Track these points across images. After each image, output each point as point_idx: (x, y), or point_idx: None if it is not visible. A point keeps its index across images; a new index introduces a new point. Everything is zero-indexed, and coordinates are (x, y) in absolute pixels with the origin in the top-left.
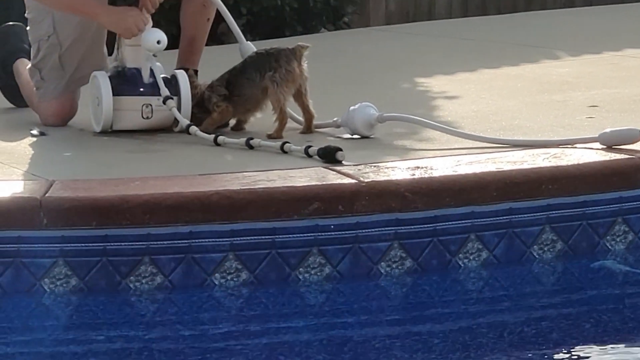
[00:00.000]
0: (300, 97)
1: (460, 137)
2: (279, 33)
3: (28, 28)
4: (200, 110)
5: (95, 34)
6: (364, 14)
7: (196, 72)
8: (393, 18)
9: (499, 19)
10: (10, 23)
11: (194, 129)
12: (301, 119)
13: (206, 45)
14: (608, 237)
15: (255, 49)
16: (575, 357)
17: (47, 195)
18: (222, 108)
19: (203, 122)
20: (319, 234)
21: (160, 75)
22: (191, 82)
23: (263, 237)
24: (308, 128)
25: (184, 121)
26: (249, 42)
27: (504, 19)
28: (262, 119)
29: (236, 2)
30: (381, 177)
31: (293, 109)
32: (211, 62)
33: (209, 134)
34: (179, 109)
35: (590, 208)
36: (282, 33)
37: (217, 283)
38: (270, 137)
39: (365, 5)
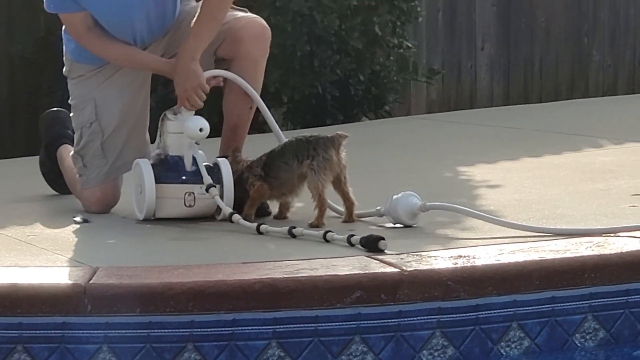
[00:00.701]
0: (339, 185)
1: (502, 226)
2: (319, 121)
3: (71, 114)
4: (238, 189)
5: (137, 121)
6: (406, 102)
7: None
8: (434, 106)
9: (541, 107)
10: (55, 109)
11: (236, 217)
12: (341, 208)
13: (248, 133)
14: None
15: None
16: None
17: (91, 281)
18: (257, 186)
19: (241, 201)
20: (362, 322)
21: (202, 163)
22: (235, 157)
23: (306, 325)
24: (349, 216)
25: (227, 209)
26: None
27: (546, 107)
28: (303, 208)
29: (277, 90)
30: (423, 266)
31: (335, 199)
32: (253, 151)
33: (251, 222)
34: (221, 197)
35: (633, 296)
36: (323, 121)
37: None
38: (311, 225)
39: (407, 94)
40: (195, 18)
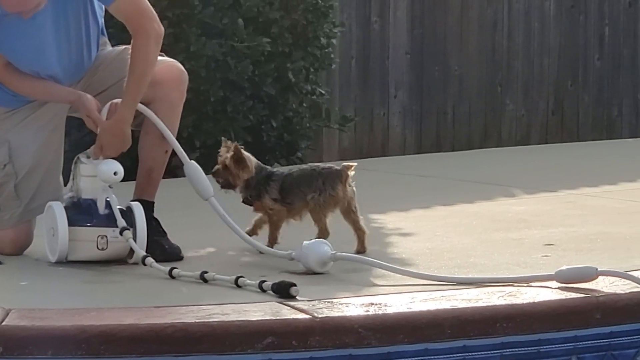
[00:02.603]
0: (349, 215)
1: (413, 277)
2: None
3: None
4: (254, 195)
5: (52, 164)
6: (318, 149)
7: (152, 204)
8: (346, 153)
9: (454, 156)
10: None
11: (149, 260)
12: (263, 245)
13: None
14: None
15: (200, 169)
16: None
17: (3, 323)
18: (276, 211)
19: (254, 206)
20: None
21: (116, 207)
22: (244, 157)
23: None
24: (361, 245)
25: (141, 252)
26: (192, 160)
27: (459, 155)
28: (215, 253)
29: (190, 135)
30: (335, 312)
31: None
32: (166, 195)
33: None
34: (134, 240)
35: (545, 346)
36: None
37: None
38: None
39: (319, 141)
40: (125, 82)
